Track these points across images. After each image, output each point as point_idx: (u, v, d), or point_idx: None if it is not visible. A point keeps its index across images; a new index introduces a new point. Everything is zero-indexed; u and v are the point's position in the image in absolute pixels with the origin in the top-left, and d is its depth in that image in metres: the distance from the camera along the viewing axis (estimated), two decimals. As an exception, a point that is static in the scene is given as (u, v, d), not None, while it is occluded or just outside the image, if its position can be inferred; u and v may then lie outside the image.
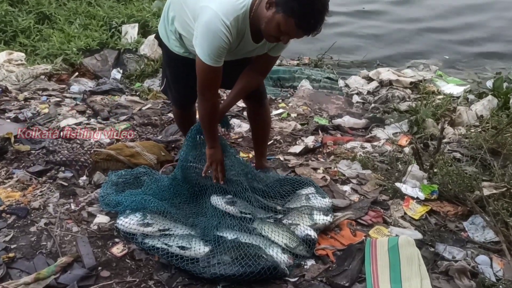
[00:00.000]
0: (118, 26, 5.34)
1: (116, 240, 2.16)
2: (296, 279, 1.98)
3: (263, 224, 2.18)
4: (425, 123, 3.63)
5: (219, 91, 2.53)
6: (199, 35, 1.96)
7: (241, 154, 3.05)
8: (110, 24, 5.35)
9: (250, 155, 3.03)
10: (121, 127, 3.32)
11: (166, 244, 2.04)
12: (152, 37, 4.97)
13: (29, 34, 5.19)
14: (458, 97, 4.43)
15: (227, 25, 1.90)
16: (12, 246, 2.08)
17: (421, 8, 8.04)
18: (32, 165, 2.76)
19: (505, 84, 4.35)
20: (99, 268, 1.98)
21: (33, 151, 2.90)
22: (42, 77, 4.31)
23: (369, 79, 4.94)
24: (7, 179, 2.62)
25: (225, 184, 2.34)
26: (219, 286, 1.91)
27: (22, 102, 3.76)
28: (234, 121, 3.70)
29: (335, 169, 2.92)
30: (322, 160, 3.09)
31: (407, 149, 3.26)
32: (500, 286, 1.95)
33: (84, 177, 2.67)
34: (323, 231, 2.26)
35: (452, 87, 4.74)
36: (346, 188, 2.71)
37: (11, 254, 2.02)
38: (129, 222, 2.15)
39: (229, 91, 2.35)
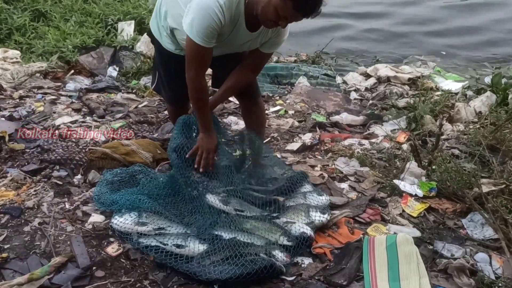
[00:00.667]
0: (114, 24, 5.30)
1: (111, 239, 2.14)
2: (293, 278, 1.95)
3: (257, 222, 2.16)
4: (423, 119, 3.61)
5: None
6: (190, 12, 1.93)
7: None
8: (106, 21, 5.31)
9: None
10: (116, 125, 3.30)
11: (161, 243, 2.02)
12: (149, 34, 4.93)
13: (24, 32, 5.14)
14: (456, 93, 4.42)
15: (220, 4, 1.88)
16: (6, 246, 2.05)
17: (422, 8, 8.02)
18: (26, 163, 2.72)
19: (503, 80, 4.33)
20: (94, 268, 1.95)
21: (27, 150, 2.87)
22: (38, 75, 4.28)
23: (367, 76, 4.93)
24: (1, 178, 2.59)
25: (209, 173, 2.28)
26: (215, 286, 1.88)
27: (17, 100, 3.73)
28: (231, 119, 3.68)
29: (333, 166, 2.90)
30: (319, 157, 3.07)
31: (405, 146, 3.24)
32: (500, 284, 1.93)
33: (79, 176, 2.64)
34: (321, 229, 2.24)
35: (450, 83, 4.73)
36: (344, 185, 2.69)
37: (4, 254, 1.99)
38: (124, 221, 2.13)
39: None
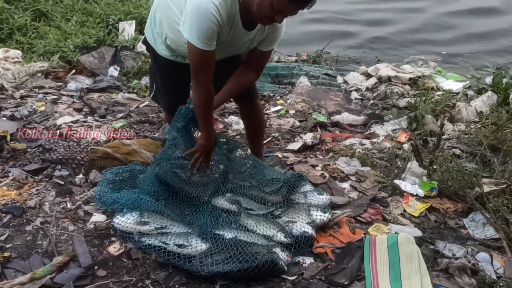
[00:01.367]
0: (115, 23, 5.30)
1: (113, 239, 2.14)
2: (294, 277, 1.96)
3: (260, 220, 2.17)
4: (424, 119, 3.61)
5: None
6: (188, 18, 1.93)
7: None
8: (107, 21, 5.31)
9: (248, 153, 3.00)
10: (118, 125, 3.31)
11: (163, 242, 2.02)
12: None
13: (25, 32, 5.14)
14: (457, 93, 4.40)
15: (216, 5, 1.88)
16: (8, 246, 2.06)
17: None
18: (28, 163, 2.74)
19: (504, 80, 4.33)
20: (96, 267, 1.96)
21: (29, 149, 2.88)
22: (39, 74, 4.29)
23: (368, 76, 4.92)
24: (3, 177, 2.60)
25: (203, 174, 2.30)
26: (217, 285, 1.89)
27: (19, 100, 3.74)
28: (232, 118, 3.68)
29: (334, 166, 2.90)
30: (320, 157, 3.07)
31: (406, 146, 3.24)
32: (501, 284, 1.93)
33: (81, 175, 2.65)
34: (322, 228, 2.24)
35: (451, 83, 4.72)
36: (345, 185, 2.69)
37: (6, 254, 1.99)
38: (126, 220, 2.13)
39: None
